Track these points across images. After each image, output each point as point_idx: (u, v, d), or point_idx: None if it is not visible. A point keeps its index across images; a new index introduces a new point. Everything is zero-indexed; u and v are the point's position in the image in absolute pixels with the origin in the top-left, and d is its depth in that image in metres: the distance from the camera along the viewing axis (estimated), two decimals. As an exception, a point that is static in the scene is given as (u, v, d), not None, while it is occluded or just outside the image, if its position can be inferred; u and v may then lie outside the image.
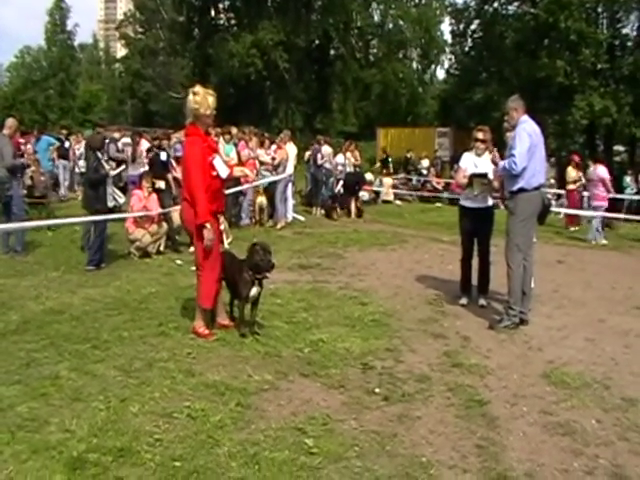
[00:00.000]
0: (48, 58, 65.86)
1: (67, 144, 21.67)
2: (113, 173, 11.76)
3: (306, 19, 43.23)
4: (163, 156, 12.71)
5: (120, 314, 7.58)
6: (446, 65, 50.28)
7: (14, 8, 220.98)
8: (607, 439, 4.79)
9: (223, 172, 6.80)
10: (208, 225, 6.53)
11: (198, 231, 6.63)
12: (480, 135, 8.57)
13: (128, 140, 18.77)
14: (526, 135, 7.47)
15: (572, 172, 19.54)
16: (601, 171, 17.36)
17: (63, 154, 20.85)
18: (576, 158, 20.08)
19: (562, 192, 23.91)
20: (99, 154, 10.59)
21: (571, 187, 19.56)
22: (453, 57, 44.51)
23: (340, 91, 47.87)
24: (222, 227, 6.99)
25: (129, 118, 66.79)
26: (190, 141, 6.81)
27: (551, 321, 8.01)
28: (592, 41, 29.78)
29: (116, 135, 16.51)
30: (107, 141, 13.36)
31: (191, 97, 6.69)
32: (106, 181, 10.42)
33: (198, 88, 6.78)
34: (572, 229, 18.32)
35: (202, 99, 6.64)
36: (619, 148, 24.64)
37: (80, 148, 20.80)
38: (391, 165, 27.06)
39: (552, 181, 22.44)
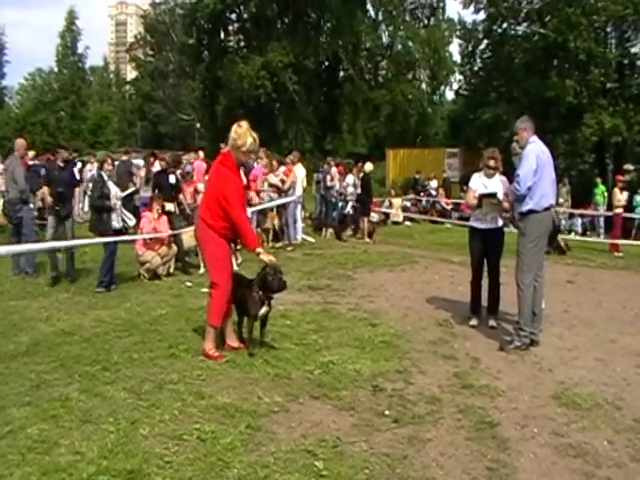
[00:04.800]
0: (59, 80, 66.47)
1: (79, 165, 21.80)
2: (122, 195, 11.82)
3: (315, 41, 43.51)
4: (172, 179, 12.72)
5: (130, 336, 7.61)
6: (455, 86, 50.38)
7: (28, 31, 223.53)
8: (619, 461, 4.75)
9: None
10: (260, 249, 6.90)
11: (211, 251, 6.91)
12: (492, 163, 8.57)
13: (140, 162, 18.89)
14: (533, 156, 7.49)
15: (618, 194, 18.85)
16: None
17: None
18: (622, 178, 19.70)
19: (575, 211, 23.94)
20: (105, 176, 10.65)
21: (618, 211, 18.87)
22: (462, 77, 44.59)
23: (349, 112, 47.94)
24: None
25: (139, 140, 67.41)
26: (226, 175, 6.87)
27: (562, 342, 7.97)
28: (601, 60, 29.82)
29: (124, 158, 16.63)
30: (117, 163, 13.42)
31: (234, 127, 6.87)
32: (110, 205, 10.46)
33: (244, 122, 6.92)
34: (616, 255, 17.48)
35: (243, 133, 6.82)
36: (629, 167, 24.60)
37: (92, 170, 20.88)
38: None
39: (561, 200, 22.32)
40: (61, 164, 11.41)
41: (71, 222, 11.32)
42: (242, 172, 13.84)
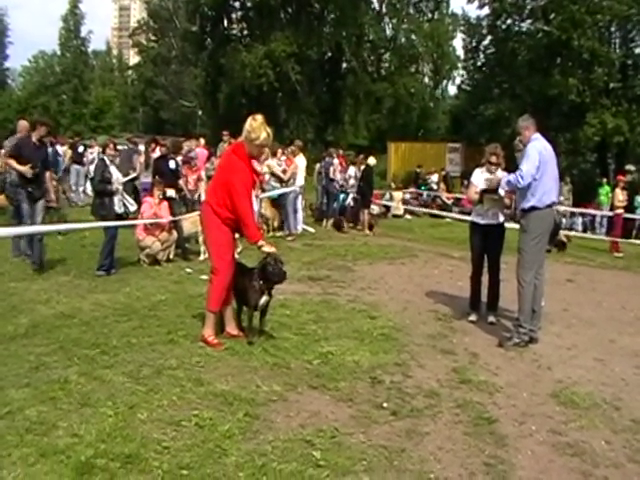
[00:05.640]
0: (62, 64, 66.24)
1: (80, 149, 21.87)
2: (124, 180, 11.78)
3: (318, 31, 43.33)
4: (172, 164, 12.69)
5: (129, 320, 7.61)
6: (457, 81, 50.50)
7: (29, 13, 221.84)
8: (617, 460, 4.76)
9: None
10: (262, 241, 6.90)
11: (215, 236, 6.91)
12: (494, 159, 8.54)
13: (141, 147, 18.89)
14: (535, 152, 7.46)
15: (620, 195, 18.70)
16: None
17: (77, 159, 21.06)
18: (623, 178, 19.57)
19: (576, 210, 23.93)
20: (107, 160, 10.61)
21: (619, 211, 18.75)
22: (465, 72, 44.58)
23: (351, 104, 47.82)
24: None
25: (140, 125, 67.29)
26: (236, 163, 6.87)
27: (561, 340, 7.97)
28: (605, 60, 29.82)
29: (130, 145, 16.69)
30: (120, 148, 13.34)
31: (249, 120, 6.86)
32: (111, 189, 10.42)
33: (259, 116, 6.90)
34: (616, 255, 17.46)
35: (257, 127, 6.79)
36: (631, 167, 24.57)
37: (93, 153, 20.92)
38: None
39: (561, 198, 22.26)
40: (36, 142, 10.56)
41: (42, 204, 10.76)
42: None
